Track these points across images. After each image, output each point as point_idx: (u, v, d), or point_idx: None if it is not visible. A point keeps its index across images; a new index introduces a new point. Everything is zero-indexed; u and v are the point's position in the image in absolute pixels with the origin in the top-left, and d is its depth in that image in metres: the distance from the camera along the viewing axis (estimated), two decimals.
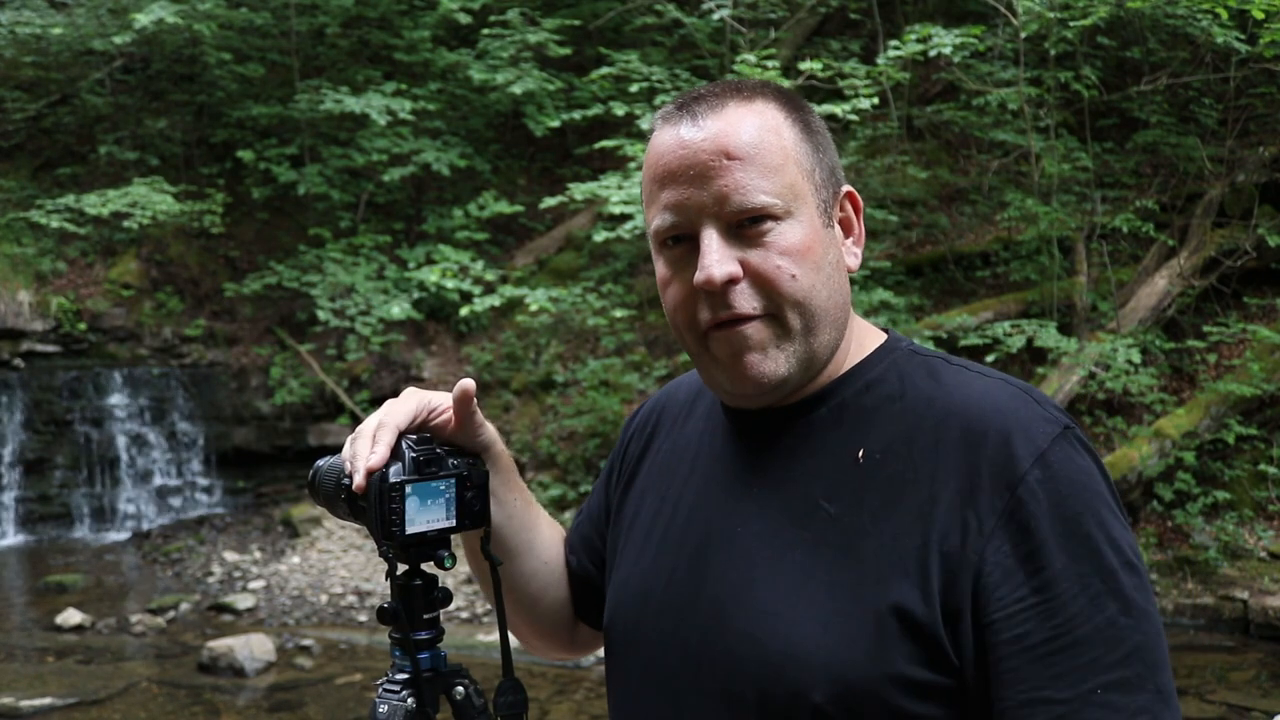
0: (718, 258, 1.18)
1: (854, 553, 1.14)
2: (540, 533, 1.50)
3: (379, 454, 1.29)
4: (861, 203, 1.29)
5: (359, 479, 1.28)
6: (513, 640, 1.43)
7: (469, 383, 1.37)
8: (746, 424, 1.28)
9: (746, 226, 1.19)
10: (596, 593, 1.49)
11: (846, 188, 1.27)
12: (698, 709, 1.21)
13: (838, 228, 1.26)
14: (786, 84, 8.24)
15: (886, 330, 1.33)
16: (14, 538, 10.05)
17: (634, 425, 1.50)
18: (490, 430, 1.43)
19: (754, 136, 1.19)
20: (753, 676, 1.16)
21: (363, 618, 7.92)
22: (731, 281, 1.19)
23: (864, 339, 1.30)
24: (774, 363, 1.21)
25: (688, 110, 1.22)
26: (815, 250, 1.21)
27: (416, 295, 10.23)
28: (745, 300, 1.20)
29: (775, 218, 1.19)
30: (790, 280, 1.19)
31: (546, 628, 1.54)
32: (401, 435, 1.33)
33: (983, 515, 1.10)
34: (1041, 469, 1.11)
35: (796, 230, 1.20)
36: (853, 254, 1.27)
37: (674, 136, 1.21)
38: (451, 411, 1.38)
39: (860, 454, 1.19)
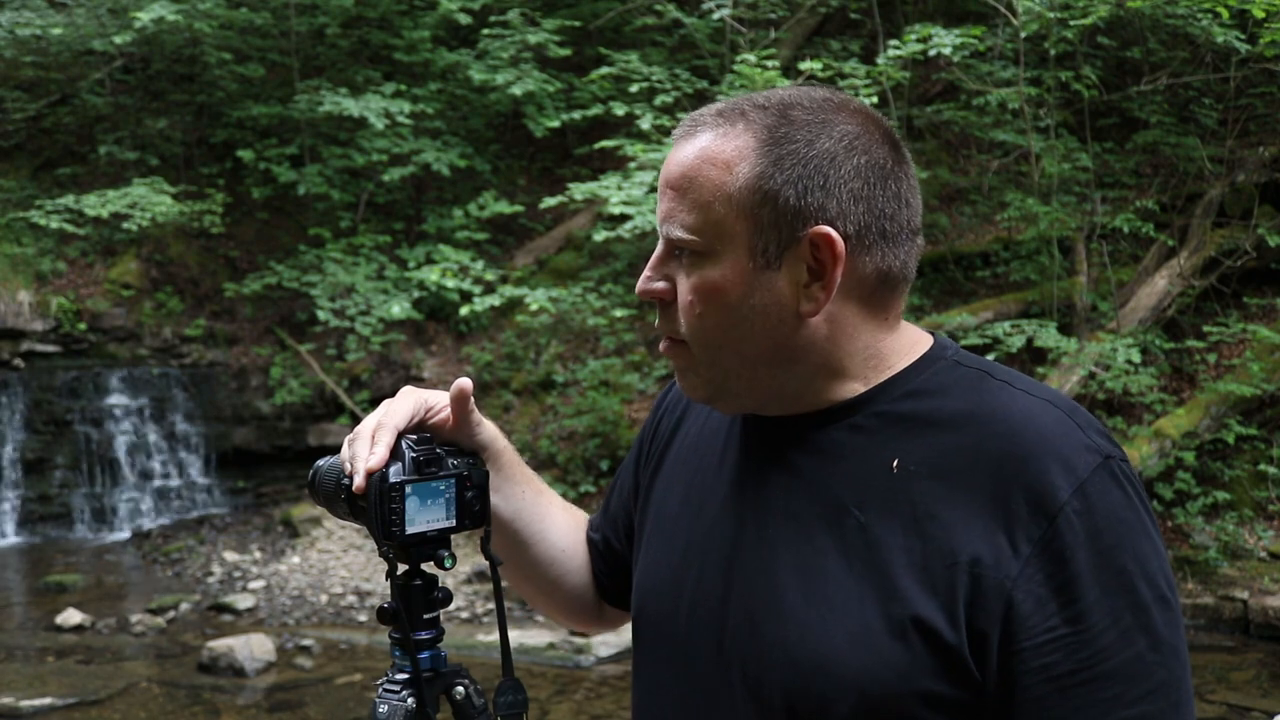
0: (648, 273, 1.25)
1: (883, 565, 1.14)
2: (553, 521, 1.52)
3: (378, 455, 1.30)
4: (842, 250, 1.17)
5: (358, 480, 1.30)
6: (513, 640, 1.44)
7: (466, 381, 1.39)
8: (778, 422, 1.27)
9: (679, 252, 1.23)
10: (626, 571, 1.49)
11: (823, 230, 1.17)
12: (727, 708, 1.22)
13: (790, 271, 1.18)
14: (786, 84, 8.24)
15: (934, 334, 1.30)
16: (14, 538, 10.05)
17: (666, 402, 1.50)
18: (489, 427, 1.44)
19: (689, 170, 1.21)
20: (781, 684, 1.17)
21: (363, 618, 7.92)
22: (661, 299, 1.25)
23: (911, 345, 1.27)
24: (692, 386, 1.27)
25: (681, 129, 1.25)
26: (729, 292, 1.19)
27: (416, 295, 10.23)
28: (667, 322, 1.26)
29: (695, 253, 1.21)
30: (696, 317, 1.22)
31: (570, 608, 1.58)
32: (401, 435, 1.34)
33: (1018, 542, 1.10)
34: (1080, 500, 1.11)
35: (711, 269, 1.20)
36: (811, 299, 1.19)
37: (670, 153, 1.26)
38: (449, 410, 1.39)
39: (895, 464, 1.18)
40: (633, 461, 1.51)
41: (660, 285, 1.25)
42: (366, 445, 1.32)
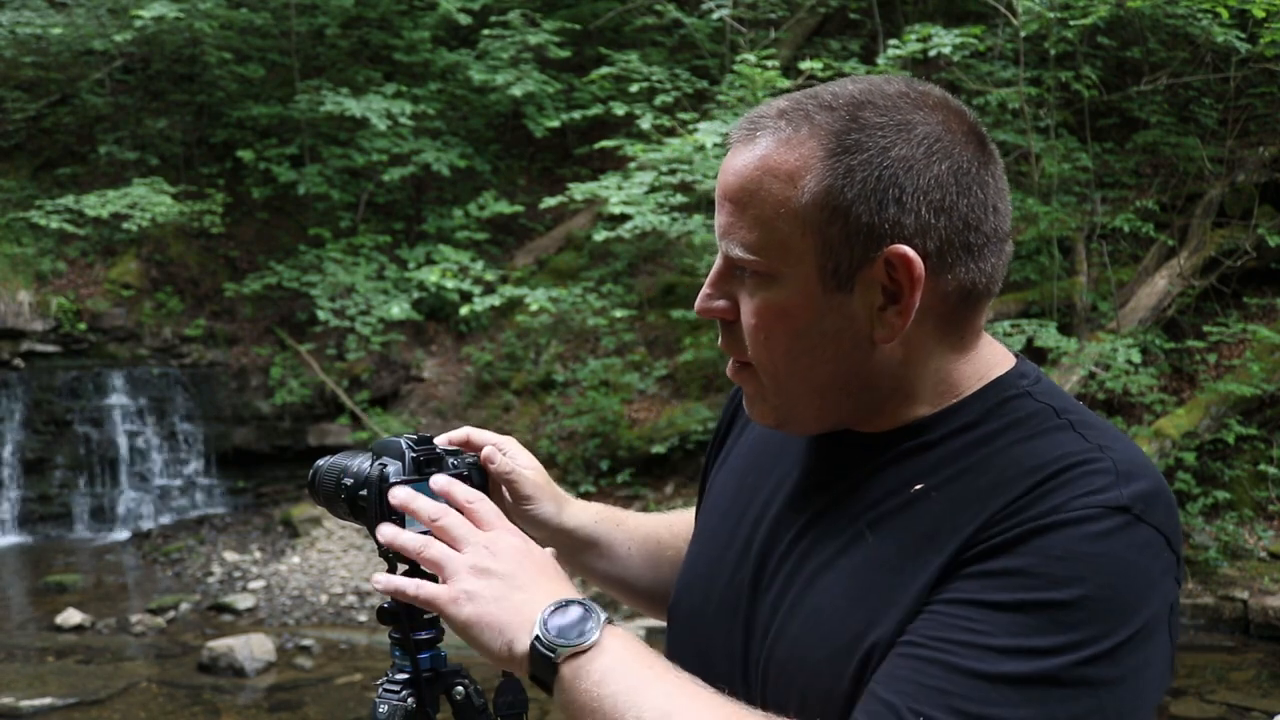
0: (707, 290, 1.16)
1: (876, 586, 1.08)
2: (665, 558, 1.53)
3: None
4: (921, 272, 1.07)
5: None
6: None
7: (490, 446, 1.41)
8: (836, 439, 1.21)
9: (739, 271, 1.14)
10: None
11: (900, 250, 1.06)
12: None
13: (863, 293, 1.09)
14: (787, 85, 8.24)
15: (1018, 357, 1.20)
16: (14, 538, 10.05)
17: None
18: (575, 512, 1.48)
19: (748, 182, 1.10)
20: (778, 699, 1.13)
21: (363, 618, 7.92)
22: (723, 319, 1.16)
23: (985, 369, 1.16)
24: (760, 412, 1.20)
25: (739, 131, 1.15)
26: (797, 317, 1.10)
27: (416, 295, 10.23)
28: (733, 343, 1.17)
29: (758, 273, 1.11)
30: (761, 341, 1.13)
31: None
32: (451, 452, 1.38)
33: (975, 548, 1.02)
34: (1061, 525, 1.00)
35: (776, 292, 1.10)
36: (886, 325, 1.09)
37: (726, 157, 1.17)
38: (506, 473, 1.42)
39: (919, 487, 1.11)
40: (708, 454, 1.49)
41: (721, 304, 1.15)
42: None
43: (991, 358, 1.18)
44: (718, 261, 1.15)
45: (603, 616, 1.10)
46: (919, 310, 1.09)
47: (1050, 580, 0.98)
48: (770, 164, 1.09)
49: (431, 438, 1.37)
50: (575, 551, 1.49)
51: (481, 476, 1.39)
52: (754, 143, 1.11)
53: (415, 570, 1.39)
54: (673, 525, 1.58)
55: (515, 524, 1.43)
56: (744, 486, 1.31)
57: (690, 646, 1.29)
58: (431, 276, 9.83)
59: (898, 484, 1.13)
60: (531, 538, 1.44)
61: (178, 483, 10.58)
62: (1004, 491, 1.05)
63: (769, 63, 8.53)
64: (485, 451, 1.39)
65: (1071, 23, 8.18)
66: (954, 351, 1.15)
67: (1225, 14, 7.88)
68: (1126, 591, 1.00)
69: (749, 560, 1.23)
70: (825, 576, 1.14)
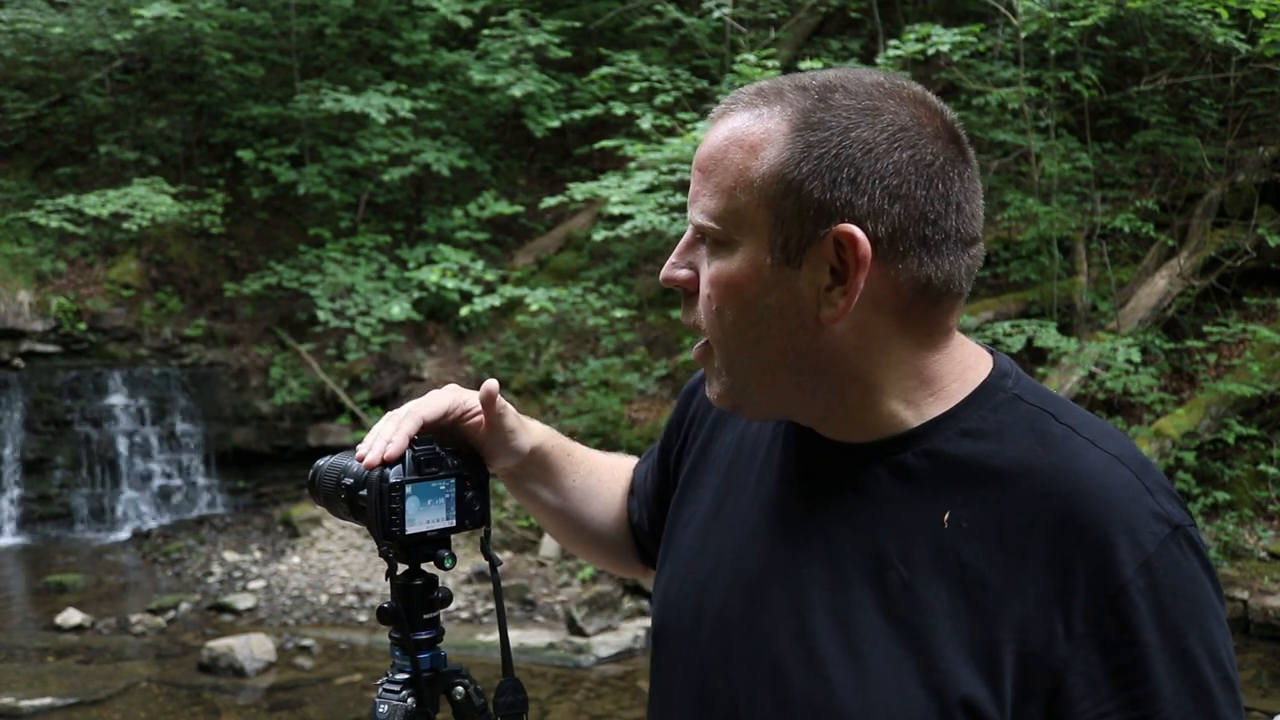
0: (672, 259, 1.18)
1: (924, 630, 1.06)
2: (600, 500, 1.56)
3: (396, 443, 1.30)
4: (868, 253, 1.06)
5: (372, 457, 1.29)
6: (513, 640, 1.44)
7: (492, 383, 1.37)
8: (822, 449, 1.17)
9: (702, 239, 1.15)
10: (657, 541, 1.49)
11: (848, 229, 1.06)
12: None
13: (811, 271, 1.08)
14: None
15: (993, 354, 1.19)
16: (14, 538, 10.05)
17: (701, 395, 1.41)
18: (533, 431, 1.45)
19: (716, 151, 1.12)
20: None
21: (363, 618, 7.92)
22: (684, 288, 1.17)
23: (964, 369, 1.15)
24: (716, 391, 1.18)
25: (719, 108, 1.17)
26: (745, 289, 1.10)
27: (416, 295, 10.23)
28: (690, 313, 1.18)
29: (716, 241, 1.12)
30: (713, 312, 1.13)
31: (621, 566, 1.62)
32: (428, 429, 1.35)
33: (1073, 620, 1.02)
34: (1145, 577, 1.02)
35: (729, 261, 1.11)
36: (831, 305, 1.08)
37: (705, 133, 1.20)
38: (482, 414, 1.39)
39: (946, 519, 1.08)
40: (668, 449, 1.46)
41: (683, 273, 1.16)
42: (390, 428, 1.32)
43: (967, 357, 1.16)
44: (686, 232, 1.18)
45: None
46: (870, 297, 1.08)
47: (1176, 633, 1.04)
48: (737, 135, 1.12)
49: (432, 438, 1.37)
50: (528, 479, 1.49)
51: (482, 476, 1.39)
52: (729, 117, 1.14)
53: (417, 571, 1.39)
54: (615, 469, 1.60)
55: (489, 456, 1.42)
56: (726, 500, 1.26)
57: (679, 675, 1.24)
58: (431, 276, 9.83)
59: (920, 510, 1.10)
60: (505, 468, 1.44)
61: (178, 483, 10.57)
62: (1058, 537, 1.05)
63: (769, 63, 8.54)
64: (477, 406, 1.40)
65: (1071, 23, 8.18)
66: (919, 348, 1.13)
67: (1225, 14, 7.88)
68: (1212, 590, 1.07)
69: (741, 584, 1.19)
70: (854, 614, 1.10)
